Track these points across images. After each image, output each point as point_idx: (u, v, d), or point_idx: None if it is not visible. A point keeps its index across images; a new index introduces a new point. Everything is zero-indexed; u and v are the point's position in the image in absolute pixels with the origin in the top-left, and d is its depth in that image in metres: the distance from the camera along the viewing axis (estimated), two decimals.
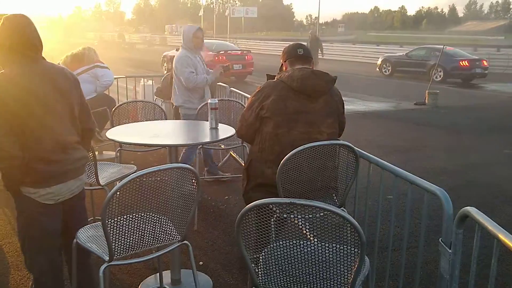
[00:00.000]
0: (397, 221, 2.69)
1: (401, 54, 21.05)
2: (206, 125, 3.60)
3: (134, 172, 3.60)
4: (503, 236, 1.75)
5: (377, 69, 20.47)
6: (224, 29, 56.55)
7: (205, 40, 5.66)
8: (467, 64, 17.35)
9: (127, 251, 2.28)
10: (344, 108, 3.14)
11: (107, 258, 2.22)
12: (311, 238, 2.21)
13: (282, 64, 3.16)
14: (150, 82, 8.63)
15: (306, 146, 2.66)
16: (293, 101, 2.89)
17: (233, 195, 5.04)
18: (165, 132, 3.58)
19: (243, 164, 5.57)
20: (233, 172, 5.67)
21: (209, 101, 3.55)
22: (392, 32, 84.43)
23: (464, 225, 2.06)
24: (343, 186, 3.00)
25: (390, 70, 20.07)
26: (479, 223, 1.90)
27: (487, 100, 13.61)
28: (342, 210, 2.42)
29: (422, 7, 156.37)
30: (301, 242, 1.96)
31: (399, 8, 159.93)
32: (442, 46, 15.38)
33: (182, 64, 4.89)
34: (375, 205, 2.82)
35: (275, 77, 3.06)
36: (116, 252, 2.23)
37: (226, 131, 3.47)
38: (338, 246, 1.83)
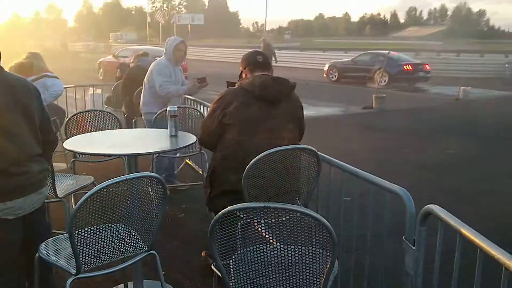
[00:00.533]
0: (360, 221, 2.76)
1: (347, 60, 21.55)
2: (165, 132, 3.56)
3: (92, 183, 3.54)
4: (465, 230, 1.83)
5: (324, 75, 20.88)
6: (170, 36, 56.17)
7: (140, 47, 5.74)
8: (410, 68, 18.03)
9: (94, 263, 2.22)
10: (303, 113, 3.20)
11: (73, 271, 2.16)
12: (274, 243, 2.22)
13: (241, 71, 3.19)
14: (99, 91, 8.45)
15: (272, 150, 2.70)
16: (255, 107, 2.92)
17: (191, 204, 5.00)
18: (123, 141, 3.52)
19: (201, 172, 5.55)
20: (190, 180, 5.63)
21: (168, 108, 3.51)
22: (337, 39, 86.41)
23: (426, 223, 2.14)
24: (305, 189, 3.05)
25: (337, 76, 20.51)
26: (442, 219, 1.98)
27: (430, 102, 14.16)
28: None
29: (365, 13, 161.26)
30: (271, 246, 1.98)
31: (343, 14, 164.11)
32: (387, 51, 15.92)
33: (157, 72, 4.94)
34: (337, 207, 2.88)
35: (236, 84, 3.09)
36: (83, 265, 2.17)
37: (186, 138, 3.45)
38: (310, 248, 1.86)
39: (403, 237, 2.28)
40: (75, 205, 2.21)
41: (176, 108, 3.51)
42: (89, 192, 2.03)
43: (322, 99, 14.27)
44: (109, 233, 2.26)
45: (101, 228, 2.21)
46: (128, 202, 2.24)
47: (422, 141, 8.74)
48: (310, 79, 18.96)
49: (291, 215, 1.83)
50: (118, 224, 2.32)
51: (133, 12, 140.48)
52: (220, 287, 3.17)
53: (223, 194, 2.98)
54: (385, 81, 17.69)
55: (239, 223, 1.96)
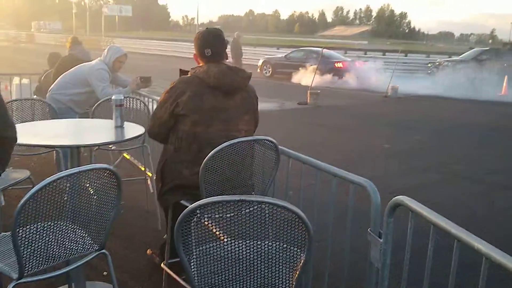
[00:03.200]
0: (321, 215, 2.70)
1: (280, 56, 21.90)
2: (109, 123, 3.33)
3: (28, 177, 3.22)
4: (440, 221, 1.81)
5: (258, 71, 20.98)
6: (98, 28, 54.14)
7: None
8: (341, 65, 18.50)
9: (38, 265, 1.99)
10: (258, 104, 3.09)
11: (15, 275, 1.92)
12: (227, 237, 2.10)
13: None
14: (26, 80, 7.88)
15: (230, 142, 2.57)
16: (209, 97, 2.75)
17: (130, 199, 4.74)
18: (62, 132, 3.24)
19: (140, 167, 5.29)
20: (128, 175, 5.35)
21: (113, 97, 3.29)
22: (267, 35, 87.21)
23: (394, 214, 2.11)
24: (260, 182, 2.95)
25: (270, 72, 20.76)
26: (413, 210, 1.95)
27: (361, 99, 14.60)
28: None
29: (294, 11, 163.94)
30: (240, 242, 1.85)
31: (273, 12, 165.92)
32: (320, 48, 16.22)
33: (97, 78, 4.75)
34: (297, 201, 2.80)
35: (189, 73, 2.90)
36: (27, 268, 1.94)
37: (133, 129, 3.24)
38: (284, 243, 1.76)
39: (368, 229, 2.24)
40: (13, 202, 1.95)
41: (123, 97, 3.29)
42: (37, 186, 1.81)
43: (259, 94, 14.19)
44: (54, 232, 2.04)
45: (47, 226, 1.99)
46: (78, 197, 2.03)
47: (357, 136, 8.94)
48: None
49: (258, 207, 1.72)
50: (65, 222, 2.10)
51: (57, 1, 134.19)
52: (171, 285, 3.03)
53: (175, 189, 2.81)
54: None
55: (193, 219, 1.82)
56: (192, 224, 1.82)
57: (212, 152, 2.54)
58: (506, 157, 7.71)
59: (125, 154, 5.93)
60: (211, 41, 2.87)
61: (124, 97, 3.47)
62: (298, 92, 13.84)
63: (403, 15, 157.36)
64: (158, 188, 2.93)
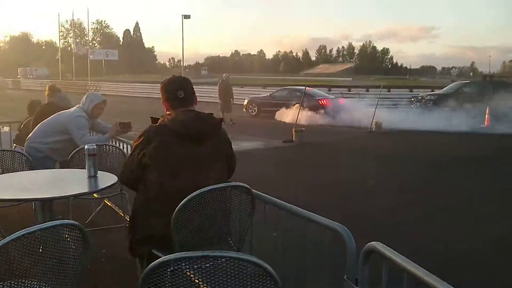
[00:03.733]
0: (298, 260, 2.63)
1: (265, 95, 22.28)
2: (83, 173, 3.27)
3: None
4: (412, 268, 1.76)
5: (244, 110, 21.23)
6: (86, 72, 54.50)
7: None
8: (325, 102, 18.72)
9: None
10: (232, 149, 3.02)
11: None
12: None
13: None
14: (6, 128, 7.82)
15: (198, 192, 2.51)
16: (177, 146, 2.70)
17: (111, 247, 4.63)
18: (35, 184, 3.17)
19: (121, 214, 5.20)
20: (109, 223, 5.25)
21: (86, 146, 3.24)
22: (253, 75, 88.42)
23: (369, 261, 2.06)
24: (237, 229, 2.89)
25: (256, 111, 21.03)
26: (386, 257, 1.91)
27: (346, 135, 14.67)
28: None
29: (279, 51, 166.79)
30: None
31: (257, 52, 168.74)
32: (303, 87, 16.46)
33: (76, 125, 4.74)
34: (274, 247, 2.74)
35: (159, 120, 2.86)
36: None
37: (107, 178, 3.18)
38: None
39: (345, 276, 2.18)
40: None
41: (95, 146, 3.25)
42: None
43: (244, 133, 14.28)
44: None
45: (9, 285, 1.90)
46: (42, 254, 1.95)
47: (343, 173, 8.92)
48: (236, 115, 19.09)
49: (228, 261, 1.66)
50: (29, 280, 2.01)
51: (44, 47, 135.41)
52: None
53: (145, 239, 2.73)
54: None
55: (169, 270, 1.75)
56: (167, 278, 1.76)
57: (181, 203, 2.48)
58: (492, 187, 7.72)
59: (106, 201, 5.83)
60: (183, 84, 2.87)
61: (99, 145, 3.44)
62: (284, 130, 13.91)
63: (385, 51, 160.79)
64: (129, 238, 2.85)
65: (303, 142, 12.58)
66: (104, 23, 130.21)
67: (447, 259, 4.56)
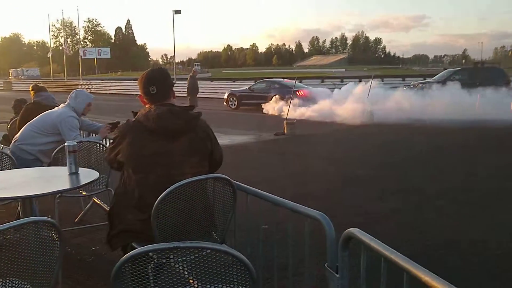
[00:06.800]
0: (280, 250, 2.62)
1: (244, 88, 22.58)
2: (64, 170, 3.23)
3: None
4: (389, 253, 1.74)
5: (224, 103, 21.54)
6: (78, 71, 54.27)
7: None
8: (303, 94, 18.93)
9: None
10: (214, 144, 2.90)
11: None
12: (192, 282, 2.02)
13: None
14: None
15: (172, 188, 2.48)
16: (150, 142, 2.65)
17: (101, 245, 4.60)
18: (16, 183, 3.13)
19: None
20: (99, 220, 5.22)
21: (66, 143, 3.20)
22: (246, 69, 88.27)
23: (349, 248, 2.04)
24: (221, 221, 2.86)
25: (236, 104, 21.23)
26: (364, 243, 1.89)
27: (336, 126, 14.54)
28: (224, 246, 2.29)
29: (271, 44, 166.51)
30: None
31: (250, 45, 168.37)
32: (282, 79, 16.62)
33: (68, 126, 4.71)
34: (256, 237, 2.72)
35: (136, 115, 2.83)
36: None
37: (88, 175, 3.15)
38: (228, 286, 1.68)
39: (325, 264, 2.16)
40: None
41: (75, 143, 3.21)
42: None
43: (228, 126, 14.13)
44: None
45: None
46: (16, 252, 1.92)
47: (333, 164, 8.91)
48: (217, 108, 19.12)
49: (205, 253, 1.65)
50: (7, 279, 1.98)
51: (35, 48, 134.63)
52: None
53: (122, 233, 2.71)
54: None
55: (150, 265, 1.73)
56: (150, 271, 1.74)
57: (157, 201, 2.47)
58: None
59: (94, 199, 5.79)
60: (157, 79, 2.81)
61: (81, 142, 3.40)
62: (269, 123, 13.95)
63: (377, 41, 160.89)
64: (107, 231, 2.82)
65: (295, 134, 12.55)
66: (95, 21, 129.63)
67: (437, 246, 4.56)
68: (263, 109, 18.91)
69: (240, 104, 21.04)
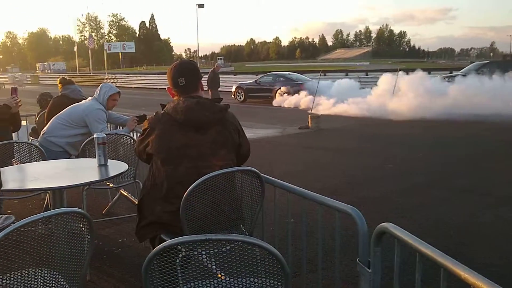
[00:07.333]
0: (309, 244, 2.58)
1: (251, 81, 22.75)
2: (93, 162, 3.26)
3: (13, 223, 3.14)
4: (424, 248, 1.70)
5: (232, 96, 21.62)
6: (102, 65, 55.02)
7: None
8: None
9: None
10: (242, 136, 2.88)
11: None
12: (220, 276, 2.00)
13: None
14: (23, 122, 7.88)
15: (201, 180, 2.47)
16: (178, 134, 2.65)
17: (128, 237, 4.65)
18: (47, 174, 3.17)
19: (135, 202, 5.20)
20: (126, 212, 5.27)
21: (95, 135, 3.22)
22: (269, 63, 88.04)
23: (381, 243, 2.00)
24: (249, 214, 2.84)
25: (243, 97, 21.41)
26: (398, 238, 1.84)
27: (361, 120, 14.32)
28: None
29: (295, 37, 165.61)
30: (216, 280, 1.76)
31: (273, 39, 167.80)
32: (287, 72, 16.78)
33: (96, 119, 4.76)
34: (284, 231, 2.70)
35: (165, 108, 2.82)
36: None
37: (116, 167, 3.16)
38: (259, 279, 1.66)
39: (357, 259, 2.12)
40: None
41: (104, 135, 3.22)
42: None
43: (251, 121, 14.10)
44: (28, 280, 1.94)
45: (19, 275, 1.89)
46: (48, 242, 1.94)
47: (360, 158, 8.82)
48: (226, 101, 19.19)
49: (235, 245, 1.63)
50: (38, 269, 2.00)
51: (61, 42, 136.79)
52: None
53: (151, 225, 2.71)
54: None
55: (179, 257, 1.72)
56: (178, 263, 1.74)
57: (186, 193, 2.46)
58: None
59: (122, 191, 5.85)
60: (185, 71, 2.80)
61: (109, 134, 3.42)
62: (293, 117, 13.86)
63: (402, 34, 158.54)
64: (136, 223, 2.83)
65: (319, 128, 12.47)
66: (120, 15, 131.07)
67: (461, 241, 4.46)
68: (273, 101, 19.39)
69: (247, 97, 21.23)
